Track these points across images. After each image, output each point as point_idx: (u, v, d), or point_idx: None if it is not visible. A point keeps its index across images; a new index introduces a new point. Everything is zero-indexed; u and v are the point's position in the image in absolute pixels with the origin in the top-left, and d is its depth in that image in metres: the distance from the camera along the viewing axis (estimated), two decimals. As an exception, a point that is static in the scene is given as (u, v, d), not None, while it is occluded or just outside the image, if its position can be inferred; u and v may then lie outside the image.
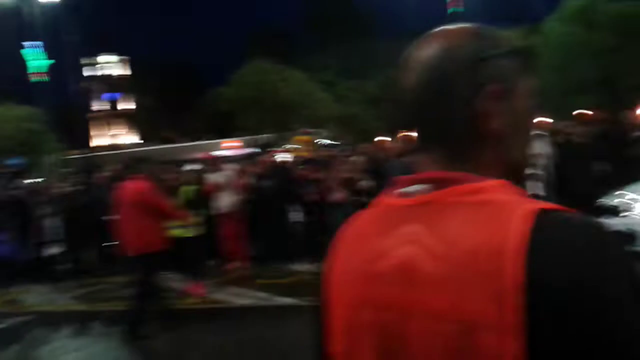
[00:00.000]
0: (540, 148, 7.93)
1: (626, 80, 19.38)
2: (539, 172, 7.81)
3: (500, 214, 0.72)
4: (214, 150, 24.12)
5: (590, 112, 10.97)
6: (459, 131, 0.81)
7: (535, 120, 0.89)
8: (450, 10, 23.57)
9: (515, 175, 0.85)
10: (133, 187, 6.05)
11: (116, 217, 6.18)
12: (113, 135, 57.30)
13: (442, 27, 0.87)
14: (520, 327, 0.66)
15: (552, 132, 9.03)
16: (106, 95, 58.31)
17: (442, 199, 0.78)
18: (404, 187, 0.84)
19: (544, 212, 0.72)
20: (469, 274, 0.70)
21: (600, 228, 0.71)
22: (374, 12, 46.88)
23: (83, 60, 55.52)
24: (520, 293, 0.66)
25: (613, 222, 5.16)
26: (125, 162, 6.67)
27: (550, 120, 10.34)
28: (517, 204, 0.73)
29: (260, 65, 30.78)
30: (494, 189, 0.77)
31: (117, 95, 58.46)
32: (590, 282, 0.66)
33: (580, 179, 7.94)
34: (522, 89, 0.84)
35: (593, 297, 0.65)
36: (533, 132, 0.89)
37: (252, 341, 5.57)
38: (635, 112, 9.54)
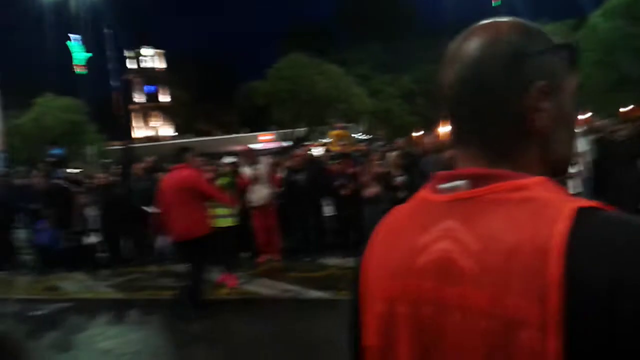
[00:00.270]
0: (580, 146, 7.75)
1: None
2: (579, 170, 7.64)
3: (544, 212, 0.71)
4: (250, 144, 24.33)
5: (633, 109, 10.67)
6: (503, 127, 0.80)
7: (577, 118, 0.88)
8: (493, 4, 22.95)
9: (558, 172, 0.83)
10: (180, 174, 6.21)
11: (161, 205, 6.31)
12: (150, 128, 58.35)
13: (485, 21, 0.85)
14: (561, 325, 0.65)
15: (592, 129, 8.81)
16: (146, 88, 59.37)
17: (483, 196, 0.78)
18: (442, 182, 0.83)
19: (585, 210, 0.71)
20: (510, 271, 0.70)
21: None
22: (411, 6, 46.39)
23: (124, 53, 56.64)
24: (561, 291, 0.66)
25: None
26: (173, 151, 6.85)
27: (589, 117, 10.09)
28: (561, 202, 0.72)
29: (296, 60, 30.84)
30: (537, 186, 0.76)
31: (154, 88, 59.44)
32: (631, 281, 0.64)
33: (623, 178, 7.73)
34: (567, 85, 0.82)
35: (633, 297, 0.64)
36: (577, 130, 0.87)
37: (283, 333, 5.60)
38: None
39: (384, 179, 8.50)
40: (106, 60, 21.09)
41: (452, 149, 0.87)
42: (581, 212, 0.70)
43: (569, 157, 0.85)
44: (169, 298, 6.50)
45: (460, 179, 0.81)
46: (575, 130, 0.87)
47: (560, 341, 0.65)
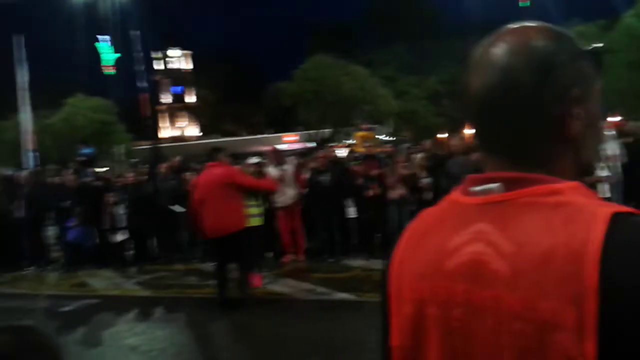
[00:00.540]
0: (610, 149, 7.60)
1: None
2: (608, 174, 7.49)
3: (579, 216, 0.71)
4: (275, 144, 24.43)
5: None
6: (535, 134, 0.79)
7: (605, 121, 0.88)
8: (520, 4, 22.49)
9: (583, 175, 0.83)
10: (216, 171, 6.33)
11: (196, 203, 6.40)
12: (177, 128, 58.99)
13: (512, 26, 0.84)
14: (595, 329, 0.65)
15: (623, 133, 8.63)
16: (172, 89, 60.05)
17: (516, 199, 0.77)
18: (473, 185, 0.83)
19: (620, 215, 0.70)
20: (544, 274, 0.70)
21: None
22: (436, 7, 46.05)
23: (152, 54, 57.33)
24: (597, 296, 0.66)
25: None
26: (206, 151, 7.00)
27: (620, 120, 9.89)
28: (596, 207, 0.72)
29: (322, 61, 30.87)
30: (571, 191, 0.76)
31: (181, 88, 60.07)
32: None
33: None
34: (595, 90, 0.82)
35: None
36: (606, 133, 0.87)
37: (306, 333, 5.60)
38: None
39: (409, 180, 8.46)
40: (134, 61, 21.35)
41: (481, 152, 0.87)
42: (616, 217, 0.70)
43: (595, 161, 0.86)
44: (199, 296, 6.56)
45: (492, 182, 0.80)
46: (602, 134, 0.86)
47: (594, 345, 0.65)
